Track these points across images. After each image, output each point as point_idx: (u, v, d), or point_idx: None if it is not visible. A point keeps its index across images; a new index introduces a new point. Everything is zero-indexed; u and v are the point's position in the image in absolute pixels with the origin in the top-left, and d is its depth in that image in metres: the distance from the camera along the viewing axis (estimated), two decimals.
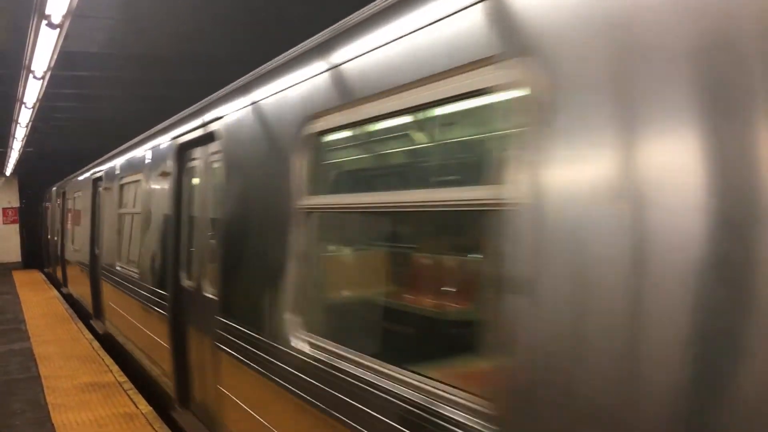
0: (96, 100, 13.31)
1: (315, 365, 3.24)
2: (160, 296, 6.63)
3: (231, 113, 4.66)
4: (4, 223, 25.78)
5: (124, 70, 10.65)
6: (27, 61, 7.61)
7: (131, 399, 7.43)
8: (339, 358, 3.07)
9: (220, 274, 4.76)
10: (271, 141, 3.89)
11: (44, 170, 24.15)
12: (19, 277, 22.06)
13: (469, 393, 2.32)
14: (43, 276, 22.41)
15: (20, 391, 7.93)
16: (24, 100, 10.07)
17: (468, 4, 2.31)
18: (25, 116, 11.70)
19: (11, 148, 17.49)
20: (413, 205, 2.68)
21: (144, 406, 7.13)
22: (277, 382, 3.68)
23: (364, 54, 2.95)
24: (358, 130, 3.29)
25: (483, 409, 2.21)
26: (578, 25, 1.90)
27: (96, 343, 10.68)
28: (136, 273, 7.91)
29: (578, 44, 1.90)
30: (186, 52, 9.71)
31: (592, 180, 1.84)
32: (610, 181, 1.79)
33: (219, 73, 9.53)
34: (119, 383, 8.14)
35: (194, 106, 5.93)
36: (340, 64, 3.15)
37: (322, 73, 3.31)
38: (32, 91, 9.35)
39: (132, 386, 7.96)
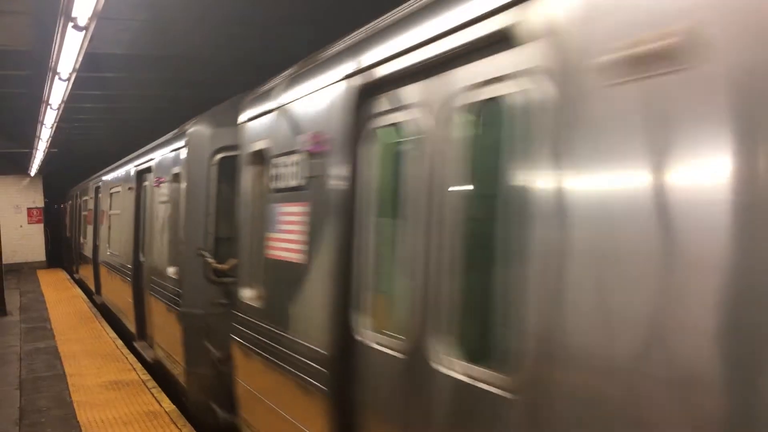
0: (119, 101, 13.46)
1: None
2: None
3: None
4: (28, 223, 26.07)
5: (147, 72, 10.75)
6: (53, 63, 7.69)
7: (155, 397, 7.49)
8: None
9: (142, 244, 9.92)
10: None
11: (68, 170, 24.43)
12: (43, 277, 22.36)
13: None
14: (67, 275, 22.70)
15: (46, 389, 8.04)
16: (49, 102, 10.18)
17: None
18: (50, 117, 11.84)
19: (36, 149, 17.71)
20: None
21: (167, 405, 7.19)
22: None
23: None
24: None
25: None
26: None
27: (119, 342, 10.80)
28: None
29: None
30: (209, 54, 9.78)
31: None
32: None
33: (241, 75, 9.60)
34: (143, 381, 8.21)
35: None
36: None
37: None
38: (57, 92, 9.46)
39: (156, 384, 8.03)
